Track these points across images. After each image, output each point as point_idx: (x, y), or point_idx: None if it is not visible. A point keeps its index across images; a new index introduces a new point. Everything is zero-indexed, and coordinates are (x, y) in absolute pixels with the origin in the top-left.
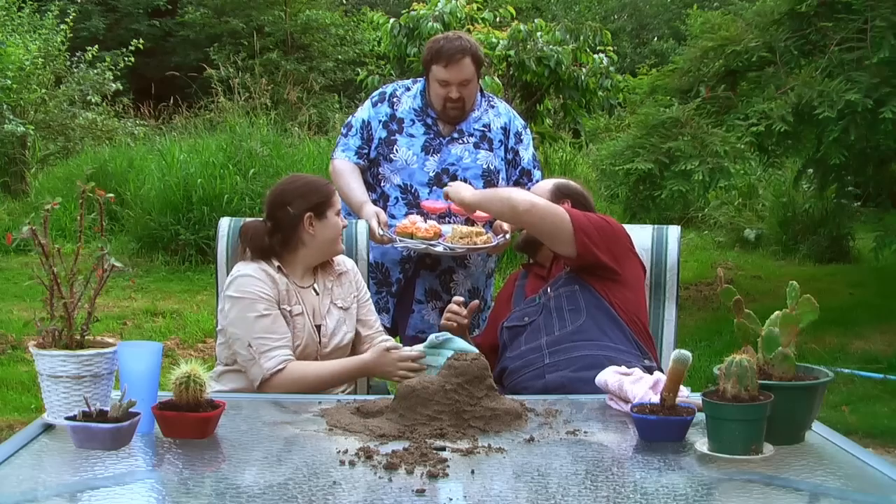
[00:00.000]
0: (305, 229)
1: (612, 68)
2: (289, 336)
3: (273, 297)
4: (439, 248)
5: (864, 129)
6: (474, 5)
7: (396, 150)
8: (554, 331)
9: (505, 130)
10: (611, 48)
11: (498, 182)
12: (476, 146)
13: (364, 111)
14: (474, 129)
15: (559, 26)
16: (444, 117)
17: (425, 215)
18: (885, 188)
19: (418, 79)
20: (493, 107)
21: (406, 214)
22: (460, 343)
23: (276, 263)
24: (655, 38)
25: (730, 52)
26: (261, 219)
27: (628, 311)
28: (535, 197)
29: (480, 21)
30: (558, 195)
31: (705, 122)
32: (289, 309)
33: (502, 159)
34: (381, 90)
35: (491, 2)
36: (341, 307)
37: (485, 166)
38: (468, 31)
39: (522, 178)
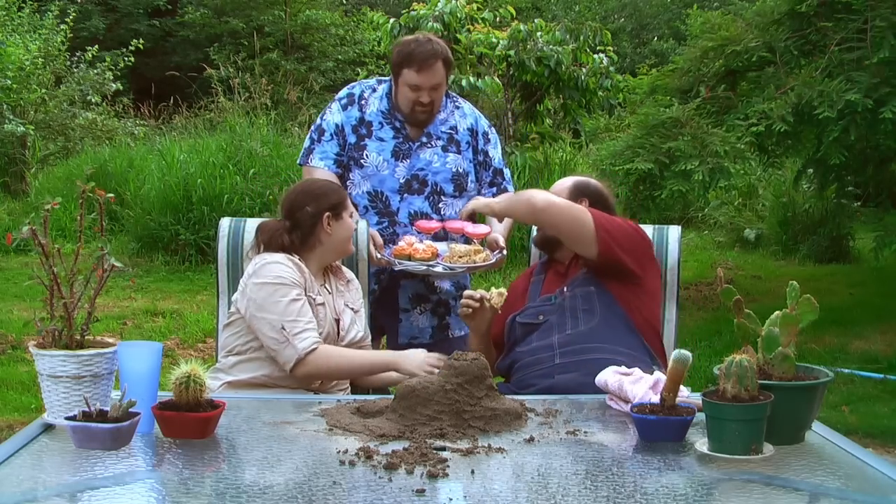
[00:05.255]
0: (324, 228)
1: (612, 68)
2: (315, 322)
3: (301, 284)
4: (439, 269)
5: (864, 129)
6: (474, 5)
7: (367, 155)
8: (566, 330)
9: (472, 132)
10: (611, 48)
11: (468, 185)
12: (444, 149)
13: (335, 115)
14: (441, 131)
15: (559, 26)
16: (412, 121)
17: (420, 236)
18: (885, 188)
19: (382, 78)
20: (458, 107)
21: (378, 223)
22: None
23: (297, 257)
24: (655, 38)
25: (730, 52)
26: (277, 219)
27: (643, 317)
28: (554, 196)
29: (480, 21)
30: (576, 194)
31: (705, 122)
32: (313, 297)
33: (471, 161)
34: (347, 91)
35: (491, 2)
36: (352, 308)
37: (454, 170)
38: (468, 31)
39: (497, 178)
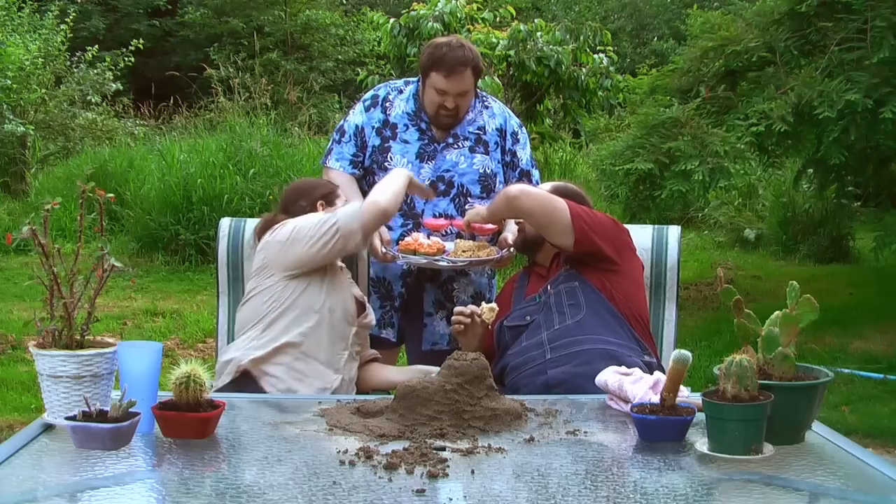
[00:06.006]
0: None
1: (612, 68)
2: None
3: None
4: (442, 263)
5: (864, 129)
6: (474, 5)
7: (391, 157)
8: (554, 325)
9: (501, 132)
10: (611, 48)
11: (496, 186)
12: (471, 150)
13: (357, 116)
14: (469, 132)
15: (559, 26)
16: (437, 123)
17: (428, 233)
18: (885, 188)
19: (410, 79)
20: (487, 107)
21: (402, 224)
22: None
23: None
24: (655, 38)
25: (730, 52)
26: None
27: (628, 305)
28: (529, 186)
29: (480, 21)
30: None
31: (705, 122)
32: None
33: (499, 162)
34: (372, 93)
35: (491, 2)
36: (356, 296)
37: (481, 171)
38: (468, 31)
39: (523, 180)
